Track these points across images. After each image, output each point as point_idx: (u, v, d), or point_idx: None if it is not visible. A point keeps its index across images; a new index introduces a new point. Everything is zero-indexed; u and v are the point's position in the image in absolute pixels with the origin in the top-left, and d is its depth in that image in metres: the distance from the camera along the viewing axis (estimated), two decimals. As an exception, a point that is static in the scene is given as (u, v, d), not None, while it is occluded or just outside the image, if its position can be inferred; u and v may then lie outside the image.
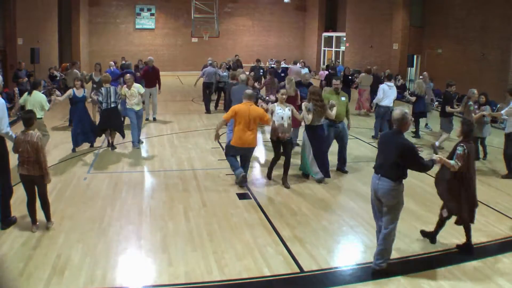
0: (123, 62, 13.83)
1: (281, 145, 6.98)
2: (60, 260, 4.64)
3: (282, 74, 13.07)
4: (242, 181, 6.79)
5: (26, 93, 8.10)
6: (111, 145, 9.15)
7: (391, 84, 10.51)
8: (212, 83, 13.34)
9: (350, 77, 14.45)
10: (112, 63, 12.78)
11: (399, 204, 4.47)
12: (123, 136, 9.17)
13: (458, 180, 4.84)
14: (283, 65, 24.79)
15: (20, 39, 14.62)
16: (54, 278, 4.30)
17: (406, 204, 6.22)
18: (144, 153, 9.01)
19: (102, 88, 8.78)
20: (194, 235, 5.33)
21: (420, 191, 6.96)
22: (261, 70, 15.92)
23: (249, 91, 7.05)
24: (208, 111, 13.42)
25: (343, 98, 7.77)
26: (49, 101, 8.97)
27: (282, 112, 6.88)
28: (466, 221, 4.94)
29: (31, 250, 4.82)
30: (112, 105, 8.71)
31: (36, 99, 7.82)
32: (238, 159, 6.95)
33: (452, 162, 4.77)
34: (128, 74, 9.33)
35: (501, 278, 4.49)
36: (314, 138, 7.13)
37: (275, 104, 7.08)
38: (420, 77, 13.29)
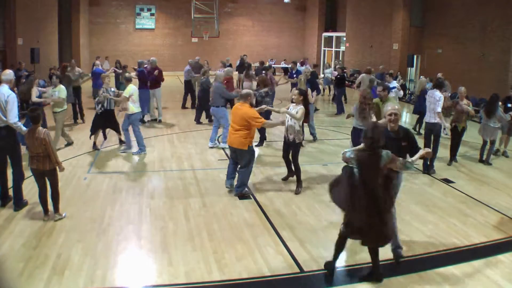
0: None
1: (284, 143, 6.93)
2: (60, 260, 4.64)
3: (295, 75, 13.83)
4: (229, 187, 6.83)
5: (52, 88, 8.80)
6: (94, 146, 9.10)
7: None
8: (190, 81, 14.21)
9: (339, 77, 14.66)
10: (98, 62, 13.86)
11: None
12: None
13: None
14: (283, 65, 24.97)
15: (20, 39, 14.63)
16: (54, 278, 4.30)
17: (407, 204, 6.25)
18: (144, 153, 9.00)
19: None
20: (194, 235, 5.33)
21: (420, 191, 6.97)
22: (263, 71, 15.99)
23: (245, 90, 6.84)
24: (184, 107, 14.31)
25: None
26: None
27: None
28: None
29: (31, 250, 4.82)
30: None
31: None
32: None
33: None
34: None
35: (501, 278, 4.49)
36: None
37: (291, 104, 7.08)
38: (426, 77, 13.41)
